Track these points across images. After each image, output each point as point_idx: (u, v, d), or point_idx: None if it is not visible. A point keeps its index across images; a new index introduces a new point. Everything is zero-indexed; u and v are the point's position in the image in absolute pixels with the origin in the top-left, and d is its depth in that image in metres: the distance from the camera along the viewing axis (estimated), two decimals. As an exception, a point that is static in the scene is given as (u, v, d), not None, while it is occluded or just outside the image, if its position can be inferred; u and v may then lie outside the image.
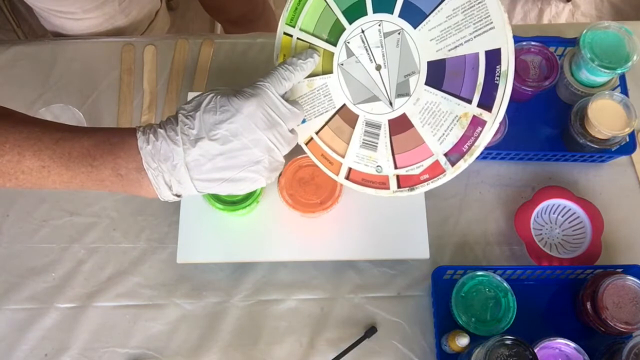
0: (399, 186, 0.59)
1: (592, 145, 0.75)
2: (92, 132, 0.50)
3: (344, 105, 0.59)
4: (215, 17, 1.34)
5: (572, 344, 0.67)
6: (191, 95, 0.80)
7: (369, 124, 0.59)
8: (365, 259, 0.75)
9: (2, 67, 0.87)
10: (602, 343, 0.68)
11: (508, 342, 0.60)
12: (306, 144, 0.64)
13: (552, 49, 0.81)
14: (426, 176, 0.57)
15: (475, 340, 0.66)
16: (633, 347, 0.63)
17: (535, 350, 0.61)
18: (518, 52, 0.79)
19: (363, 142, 0.59)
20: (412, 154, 0.57)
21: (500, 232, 0.78)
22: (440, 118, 0.54)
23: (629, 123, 0.73)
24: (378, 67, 0.57)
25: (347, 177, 0.62)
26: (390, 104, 0.57)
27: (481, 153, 0.78)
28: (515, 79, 0.77)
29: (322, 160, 0.63)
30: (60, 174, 0.49)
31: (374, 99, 0.58)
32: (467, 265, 0.75)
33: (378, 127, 0.58)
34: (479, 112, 0.52)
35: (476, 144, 0.53)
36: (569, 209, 0.77)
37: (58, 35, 0.95)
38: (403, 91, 0.56)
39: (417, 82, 0.55)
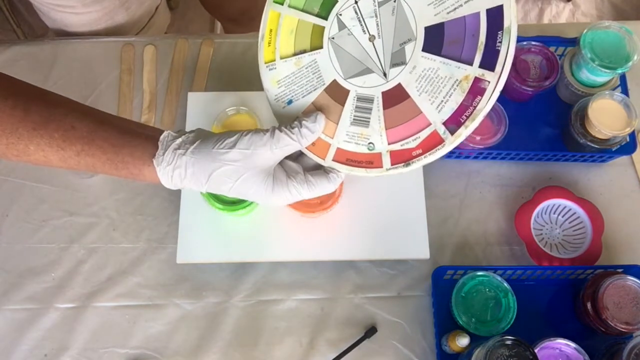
0: (392, 163, 0.55)
1: (593, 145, 0.75)
2: (114, 143, 0.52)
3: (334, 81, 0.57)
4: (214, 15, 1.34)
5: (573, 344, 0.67)
6: (191, 95, 0.80)
7: (360, 98, 0.56)
8: (365, 259, 0.75)
9: (1, 67, 0.87)
10: (602, 343, 0.68)
11: (508, 342, 0.60)
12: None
13: (552, 48, 0.80)
14: (420, 151, 0.53)
15: (476, 340, 0.66)
16: (633, 347, 0.63)
17: (536, 351, 0.61)
18: (518, 52, 0.79)
19: (354, 119, 0.56)
20: (407, 126, 0.54)
21: (501, 232, 0.78)
22: (438, 84, 0.51)
23: (630, 123, 0.73)
24: (372, 38, 0.54)
25: (334, 159, 0.58)
26: (385, 75, 0.54)
27: (481, 153, 0.78)
28: (515, 78, 0.77)
29: None
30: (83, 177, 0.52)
31: (366, 71, 0.55)
32: (468, 265, 0.75)
33: (370, 101, 0.55)
34: (480, 72, 0.49)
35: (478, 107, 0.49)
36: (570, 209, 0.77)
37: (58, 32, 0.94)
38: (398, 60, 0.53)
39: (414, 49, 0.52)
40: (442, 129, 0.51)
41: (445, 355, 0.70)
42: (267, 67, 0.61)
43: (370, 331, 0.72)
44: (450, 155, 0.80)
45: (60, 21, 0.92)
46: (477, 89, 0.49)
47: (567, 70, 0.79)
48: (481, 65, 0.49)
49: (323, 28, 0.57)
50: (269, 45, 0.61)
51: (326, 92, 0.57)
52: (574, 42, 0.80)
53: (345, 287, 0.75)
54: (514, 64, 0.78)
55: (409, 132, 0.53)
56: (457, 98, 0.50)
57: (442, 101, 0.51)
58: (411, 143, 0.53)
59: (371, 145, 0.56)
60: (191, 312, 0.74)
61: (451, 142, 0.51)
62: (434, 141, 0.52)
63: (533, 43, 0.79)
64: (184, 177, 0.52)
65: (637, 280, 0.67)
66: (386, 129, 0.55)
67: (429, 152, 0.52)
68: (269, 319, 0.74)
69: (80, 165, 0.52)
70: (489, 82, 0.49)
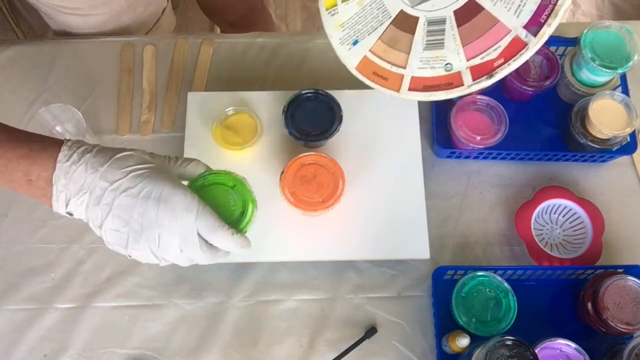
0: (474, 79, 0.55)
1: (593, 145, 0.75)
2: (14, 133, 0.51)
3: (400, 11, 0.56)
4: (213, 20, 1.34)
5: (573, 345, 0.67)
6: (191, 95, 0.79)
7: (431, 22, 0.56)
8: (365, 259, 0.75)
9: (1, 67, 0.87)
10: (602, 343, 0.68)
11: (509, 342, 0.60)
12: (355, 68, 0.60)
13: (552, 48, 0.80)
14: (501, 60, 0.53)
15: (476, 340, 0.66)
16: (634, 347, 0.62)
17: (536, 351, 0.61)
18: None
19: (427, 44, 0.56)
20: (485, 39, 0.54)
21: (501, 232, 0.78)
22: None
23: (630, 123, 0.73)
24: None
25: (410, 89, 0.57)
26: None
27: (481, 153, 0.78)
28: (515, 78, 0.77)
29: (375, 78, 0.60)
30: None
31: None
32: (468, 265, 0.75)
33: (442, 22, 0.55)
34: None
35: (559, 3, 0.50)
36: (570, 209, 0.77)
37: (62, 34, 0.94)
38: None
39: None
40: (523, 33, 0.52)
41: (445, 355, 0.70)
42: (329, 13, 0.61)
43: (370, 331, 0.72)
44: (450, 155, 0.80)
45: (64, 23, 0.91)
46: None
47: (568, 70, 0.79)
48: None
49: None
50: None
51: (393, 25, 0.57)
52: (574, 41, 0.80)
53: (345, 287, 0.75)
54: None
55: (488, 43, 0.53)
56: None
57: (519, 5, 0.51)
58: (492, 54, 0.53)
59: (449, 65, 0.56)
60: (191, 313, 0.74)
61: (535, 44, 0.51)
62: (517, 47, 0.52)
63: (533, 43, 0.79)
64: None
65: (638, 281, 0.67)
66: (463, 46, 0.55)
67: (512, 59, 0.52)
68: (269, 319, 0.73)
69: None
70: None
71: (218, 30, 1.42)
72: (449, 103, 0.77)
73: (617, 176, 0.81)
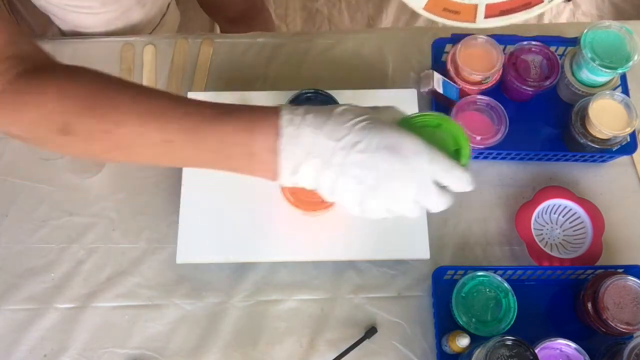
0: None
1: (593, 145, 0.75)
2: (221, 106, 0.48)
3: None
4: (212, 16, 1.34)
5: (573, 345, 0.67)
6: (191, 95, 0.79)
7: None
8: (365, 259, 0.75)
9: (1, 67, 0.87)
10: (602, 343, 0.68)
11: (509, 342, 0.60)
12: (423, 8, 0.58)
13: (552, 48, 0.80)
14: None
15: (476, 340, 0.66)
16: (634, 347, 0.62)
17: (536, 351, 0.61)
18: (519, 52, 0.79)
19: None
20: None
21: (501, 233, 0.78)
22: None
23: (630, 123, 0.73)
24: None
25: (486, 16, 0.54)
26: None
27: (481, 153, 0.78)
28: (515, 78, 0.77)
29: (446, 14, 0.58)
30: (184, 150, 0.47)
31: None
32: (468, 265, 0.75)
33: None
34: None
35: None
36: (570, 209, 0.77)
37: (71, 34, 0.94)
38: None
39: None
40: None
41: (445, 355, 0.69)
42: None
43: (370, 331, 0.72)
44: (450, 155, 0.80)
45: (77, 23, 0.91)
46: None
47: (568, 70, 0.79)
48: None
49: None
50: None
51: None
52: (574, 41, 0.80)
53: (345, 287, 0.75)
54: (514, 64, 0.78)
55: None
56: None
57: None
58: None
59: None
60: (191, 313, 0.74)
61: None
62: None
63: (533, 43, 0.79)
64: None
65: (638, 281, 0.67)
66: None
67: None
68: (269, 319, 0.73)
69: (182, 128, 0.47)
70: None
71: (218, 30, 1.42)
72: (449, 103, 0.77)
73: (617, 176, 0.81)
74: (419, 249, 0.72)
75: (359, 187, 0.46)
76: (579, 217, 0.76)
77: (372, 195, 0.47)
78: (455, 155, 0.52)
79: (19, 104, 0.47)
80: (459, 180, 0.49)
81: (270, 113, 0.47)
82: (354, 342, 0.71)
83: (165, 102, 0.48)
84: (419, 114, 0.52)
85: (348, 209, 0.48)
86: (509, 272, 0.72)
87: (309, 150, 0.46)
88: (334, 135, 0.46)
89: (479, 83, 0.77)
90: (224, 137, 0.47)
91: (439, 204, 0.49)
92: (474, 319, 0.68)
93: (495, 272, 0.70)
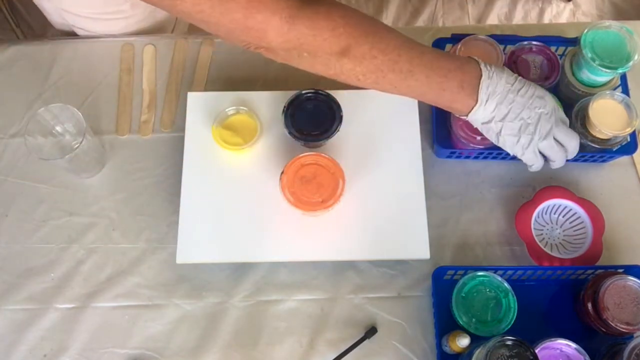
0: None
1: (593, 145, 0.75)
2: (437, 51, 0.64)
3: None
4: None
5: (573, 345, 0.66)
6: (191, 95, 0.79)
7: None
8: (365, 259, 0.75)
9: (1, 67, 0.87)
10: (603, 344, 0.68)
11: (509, 342, 0.60)
12: None
13: (553, 48, 0.80)
14: None
15: (476, 340, 0.66)
16: (634, 347, 0.62)
17: (536, 351, 0.60)
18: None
19: None
20: None
21: (501, 233, 0.78)
22: None
23: (630, 123, 0.73)
24: None
25: None
26: None
27: (481, 153, 0.78)
28: (516, 78, 0.77)
29: None
30: (418, 80, 0.62)
31: None
32: (468, 265, 0.75)
33: None
34: None
35: None
36: (570, 209, 0.77)
37: (75, 34, 0.93)
38: None
39: None
40: None
41: (445, 355, 0.69)
42: None
43: (371, 331, 0.72)
44: (450, 155, 0.80)
45: (104, 30, 0.90)
46: None
47: (568, 70, 0.79)
48: None
49: None
50: None
51: None
52: (574, 41, 0.80)
53: (345, 287, 0.75)
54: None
55: None
56: None
57: None
58: None
59: None
60: (191, 312, 0.74)
61: None
62: None
63: (534, 43, 0.79)
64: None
65: (638, 281, 0.67)
66: None
67: None
68: (268, 319, 0.73)
69: (423, 62, 0.62)
70: None
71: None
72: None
73: (617, 176, 0.81)
74: (419, 249, 0.72)
75: (518, 122, 0.65)
76: (579, 217, 0.76)
77: (527, 129, 0.66)
78: None
79: (313, 28, 0.57)
80: (572, 134, 0.69)
81: (473, 60, 0.65)
82: (354, 342, 0.71)
83: (406, 39, 0.62)
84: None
85: (508, 143, 0.67)
86: (509, 272, 0.72)
87: (495, 89, 0.64)
88: (509, 80, 0.65)
89: (479, 83, 0.77)
90: (447, 72, 0.63)
91: (560, 154, 0.69)
92: (474, 319, 0.68)
93: (495, 272, 0.70)
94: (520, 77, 0.66)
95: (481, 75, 0.64)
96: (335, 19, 0.58)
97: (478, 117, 0.66)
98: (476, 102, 0.64)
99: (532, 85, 0.66)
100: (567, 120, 0.70)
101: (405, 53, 0.61)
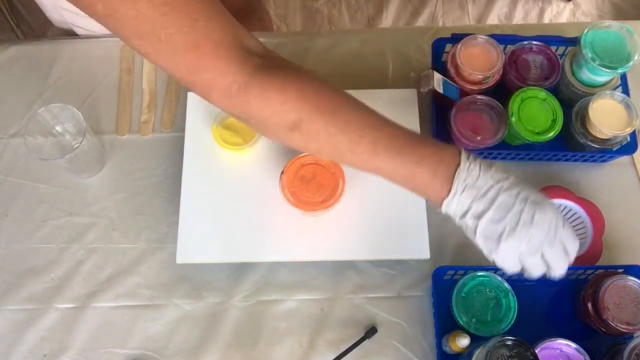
0: None
1: (593, 145, 0.75)
2: (412, 133, 0.57)
3: None
4: None
5: (573, 345, 0.66)
6: (191, 95, 0.79)
7: None
8: (365, 259, 0.75)
9: (1, 67, 0.87)
10: (603, 343, 0.68)
11: (509, 342, 0.60)
12: None
13: (553, 48, 0.80)
14: None
15: (476, 340, 0.66)
16: (634, 347, 0.62)
17: (536, 351, 0.60)
18: (519, 52, 0.79)
19: None
20: None
21: (501, 232, 0.77)
22: None
23: (630, 123, 0.73)
24: None
25: None
26: None
27: (481, 153, 0.78)
28: (516, 78, 0.77)
29: None
30: (385, 163, 0.55)
31: None
32: (468, 265, 0.75)
33: None
34: None
35: None
36: (570, 209, 0.77)
37: (74, 34, 0.93)
38: None
39: None
40: None
41: (445, 355, 0.69)
42: None
43: (371, 331, 0.72)
44: (450, 155, 0.80)
45: (103, 29, 0.90)
46: None
47: (568, 70, 0.79)
48: None
49: None
50: None
51: None
52: (574, 41, 0.80)
53: (345, 287, 0.75)
54: (514, 63, 0.78)
55: None
56: None
57: None
58: None
59: None
60: (191, 312, 0.74)
61: None
62: None
63: (534, 43, 0.79)
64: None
65: (638, 281, 0.67)
66: None
67: None
68: (268, 320, 0.73)
69: (389, 145, 0.55)
70: None
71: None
72: (449, 103, 0.77)
73: (617, 176, 0.81)
74: (419, 249, 0.72)
75: (501, 222, 0.54)
76: (579, 217, 0.76)
77: (511, 233, 0.54)
78: (552, 122, 0.74)
79: (262, 98, 0.52)
80: (575, 249, 0.57)
81: (453, 148, 0.57)
82: (354, 342, 0.71)
83: (375, 119, 0.56)
84: (534, 88, 0.75)
85: (485, 247, 0.56)
86: (509, 272, 0.71)
87: (473, 182, 0.55)
88: (495, 176, 0.55)
89: (479, 83, 0.77)
90: (420, 159, 0.55)
91: (561, 262, 0.56)
92: (474, 319, 0.68)
93: (495, 272, 0.70)
94: (514, 178, 0.56)
95: (459, 165, 0.55)
96: (289, 91, 0.53)
97: (451, 210, 0.56)
98: (448, 193, 0.55)
99: (528, 188, 0.56)
100: (570, 237, 0.57)
101: (369, 134, 0.55)
